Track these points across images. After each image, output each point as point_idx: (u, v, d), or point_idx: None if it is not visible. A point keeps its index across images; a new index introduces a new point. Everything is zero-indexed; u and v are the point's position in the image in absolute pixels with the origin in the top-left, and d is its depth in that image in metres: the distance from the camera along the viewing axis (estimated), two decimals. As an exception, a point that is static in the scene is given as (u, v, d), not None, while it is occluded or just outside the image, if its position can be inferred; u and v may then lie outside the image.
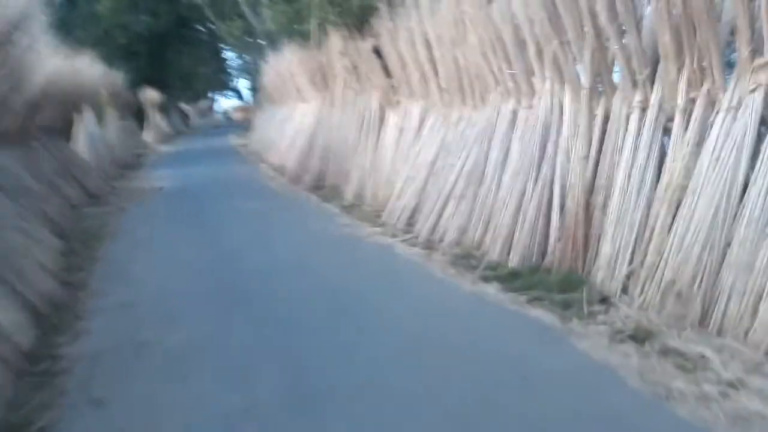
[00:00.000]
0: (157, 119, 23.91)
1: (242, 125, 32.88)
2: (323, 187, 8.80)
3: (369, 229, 5.95)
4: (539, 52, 4.46)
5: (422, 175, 5.91)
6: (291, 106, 13.05)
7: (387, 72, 7.07)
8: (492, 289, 3.87)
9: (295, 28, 10.30)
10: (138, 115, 20.88)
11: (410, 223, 5.80)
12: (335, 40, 8.32)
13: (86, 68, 11.02)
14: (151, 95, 23.14)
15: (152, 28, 25.03)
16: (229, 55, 40.83)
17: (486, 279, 4.07)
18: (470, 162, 5.22)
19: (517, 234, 4.34)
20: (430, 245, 5.11)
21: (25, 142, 7.64)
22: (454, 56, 5.55)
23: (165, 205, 8.36)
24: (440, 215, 5.33)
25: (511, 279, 3.96)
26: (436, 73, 6.03)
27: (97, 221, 7.02)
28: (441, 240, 5.15)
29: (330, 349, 3.11)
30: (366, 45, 7.18)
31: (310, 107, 10.79)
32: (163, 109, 25.96)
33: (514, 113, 4.91)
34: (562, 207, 4.16)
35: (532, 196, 4.35)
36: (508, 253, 4.37)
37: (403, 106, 6.88)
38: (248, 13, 21.22)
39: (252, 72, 30.37)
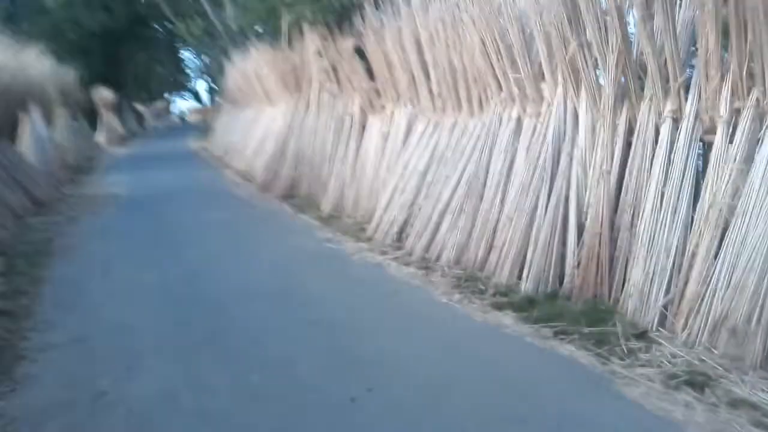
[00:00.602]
0: (110, 120, 22.67)
1: (199, 127, 31.84)
2: (297, 196, 8.23)
3: (354, 245, 5.44)
4: (551, 55, 4.07)
5: (412, 186, 5.45)
6: (257, 108, 12.42)
7: (370, 74, 6.59)
8: (508, 319, 3.43)
9: (266, 27, 9.70)
10: (90, 115, 19.69)
11: (400, 238, 5.31)
12: (311, 39, 7.78)
13: (33, 63, 10.12)
14: (104, 95, 21.92)
15: (106, 25, 23.85)
16: (187, 56, 39.69)
17: (498, 306, 3.62)
18: (468, 173, 4.78)
19: (529, 255, 3.92)
20: (426, 264, 4.64)
21: (-39, 144, 6.81)
22: (449, 58, 5.12)
23: (122, 215, 7.61)
24: (435, 231, 4.87)
25: (527, 307, 3.53)
26: (427, 76, 5.59)
27: (45, 234, 6.25)
28: (438, 258, 4.69)
29: (332, 402, 2.58)
30: (347, 45, 6.68)
31: (280, 110, 10.19)
32: (117, 109, 24.68)
33: (519, 121, 4.51)
34: (580, 226, 3.77)
35: (545, 213, 3.95)
36: (519, 276, 3.95)
37: (387, 111, 6.41)
38: (210, 11, 20.41)
39: (212, 73, 29.38)
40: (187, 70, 44.88)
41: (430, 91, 5.58)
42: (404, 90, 6.00)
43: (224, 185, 10.13)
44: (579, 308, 3.39)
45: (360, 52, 6.55)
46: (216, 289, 4.27)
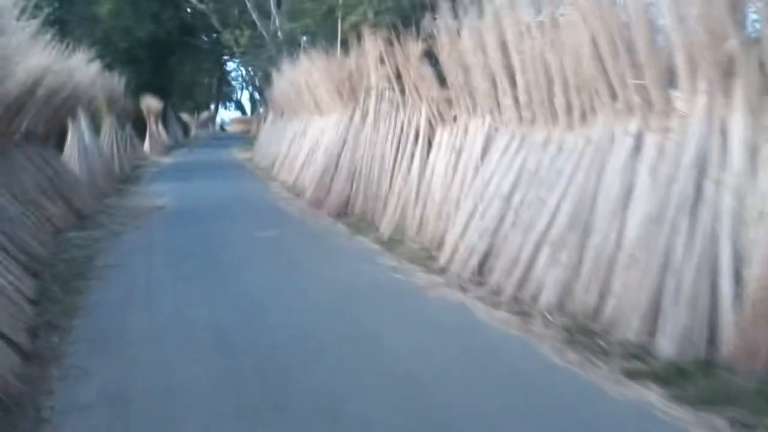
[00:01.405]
0: (157, 129, 22.72)
1: (242, 137, 31.96)
2: (351, 214, 7.57)
3: (426, 276, 4.72)
4: (692, 56, 3.28)
5: (494, 211, 4.70)
6: (306, 119, 11.92)
7: (441, 82, 5.89)
8: (652, 396, 2.63)
9: (319, 32, 9.19)
10: (137, 123, 19.68)
11: (481, 271, 4.57)
12: (371, 44, 7.17)
13: (82, 68, 9.83)
14: (151, 103, 21.98)
15: (155, 35, 24.11)
16: (232, 66, 40.16)
17: (633, 374, 2.83)
18: (570, 198, 4.01)
19: (665, 306, 3.12)
20: (520, 308, 3.87)
21: (2, 150, 6.42)
22: (544, 61, 4.38)
23: (166, 231, 7.10)
24: (529, 266, 4.09)
25: (675, 378, 2.73)
26: (512, 82, 4.86)
27: (84, 251, 5.76)
28: (534, 300, 3.92)
29: None
30: (415, 49, 6.01)
31: (331, 121, 9.62)
32: (164, 118, 24.79)
33: (639, 137, 3.72)
34: (738, 273, 2.95)
35: (685, 253, 3.14)
36: (651, 332, 3.14)
37: (460, 123, 5.69)
38: (257, 21, 20.31)
39: (257, 83, 29.37)
40: (232, 81, 45.46)
41: (516, 100, 4.84)
42: (483, 99, 5.27)
43: (271, 199, 9.58)
44: (752, 386, 2.57)
45: (430, 57, 5.87)
46: (274, 331, 3.61)
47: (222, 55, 36.01)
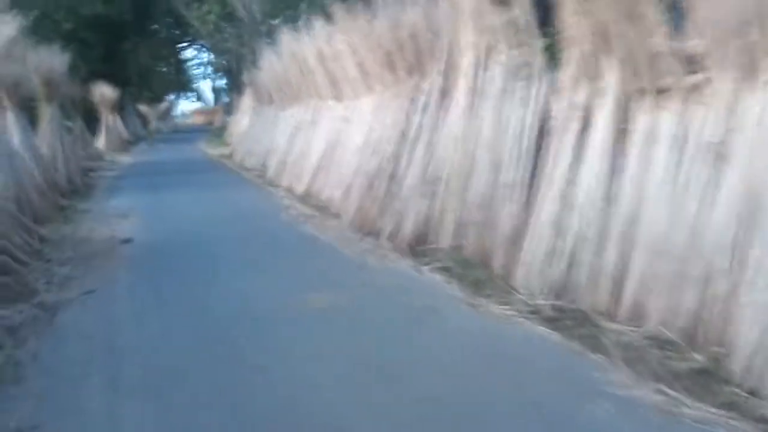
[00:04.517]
0: (112, 122, 19.31)
1: (205, 129, 28.90)
2: (433, 250, 4.81)
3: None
4: None
5: None
6: (313, 106, 9.10)
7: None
8: None
9: None
10: (89, 116, 16.31)
11: None
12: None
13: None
14: (105, 93, 18.56)
15: (105, 15, 20.84)
16: (191, 53, 37.06)
17: None
18: None
19: None
20: None
21: None
22: None
23: (140, 301, 4.13)
24: None
25: None
26: None
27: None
28: None
29: None
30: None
31: (365, 107, 6.87)
32: (120, 110, 21.32)
33: None
34: None
35: None
36: None
37: (721, 94, 2.98)
38: (230, -5, 17.36)
39: (230, 66, 26.03)
40: (192, 69, 41.86)
41: None
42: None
43: (290, 220, 6.70)
44: None
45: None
46: None
47: (180, 41, 32.86)
